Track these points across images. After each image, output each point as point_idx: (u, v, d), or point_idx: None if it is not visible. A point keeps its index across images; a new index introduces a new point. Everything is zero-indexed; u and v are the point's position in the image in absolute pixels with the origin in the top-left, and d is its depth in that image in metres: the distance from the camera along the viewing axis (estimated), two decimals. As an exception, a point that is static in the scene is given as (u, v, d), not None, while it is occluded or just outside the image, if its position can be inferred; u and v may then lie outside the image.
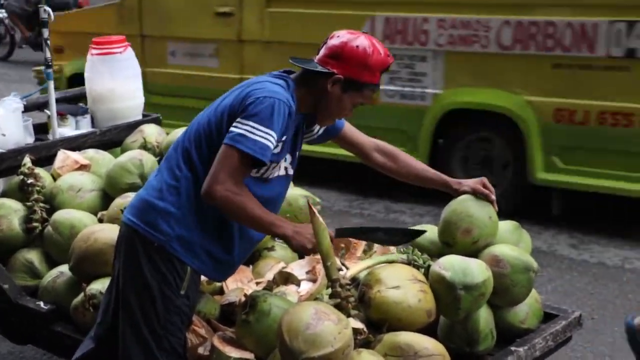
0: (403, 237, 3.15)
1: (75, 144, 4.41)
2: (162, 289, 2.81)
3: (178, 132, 4.15)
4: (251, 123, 2.68)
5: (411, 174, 3.24)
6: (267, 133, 2.68)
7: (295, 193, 3.62)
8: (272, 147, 2.70)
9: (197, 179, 2.80)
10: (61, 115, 4.72)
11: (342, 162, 6.70)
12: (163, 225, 2.80)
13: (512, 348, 2.93)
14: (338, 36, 2.86)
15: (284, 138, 2.78)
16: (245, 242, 2.96)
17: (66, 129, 4.70)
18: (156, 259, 2.81)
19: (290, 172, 2.95)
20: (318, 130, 3.06)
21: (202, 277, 2.97)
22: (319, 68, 2.84)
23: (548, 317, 3.18)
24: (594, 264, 5.65)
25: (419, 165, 3.25)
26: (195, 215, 2.82)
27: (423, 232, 3.17)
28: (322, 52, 2.88)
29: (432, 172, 3.25)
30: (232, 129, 2.71)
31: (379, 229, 3.16)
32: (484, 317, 2.96)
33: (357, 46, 2.81)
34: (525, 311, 3.08)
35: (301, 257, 3.58)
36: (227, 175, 2.67)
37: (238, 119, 2.71)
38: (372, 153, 3.23)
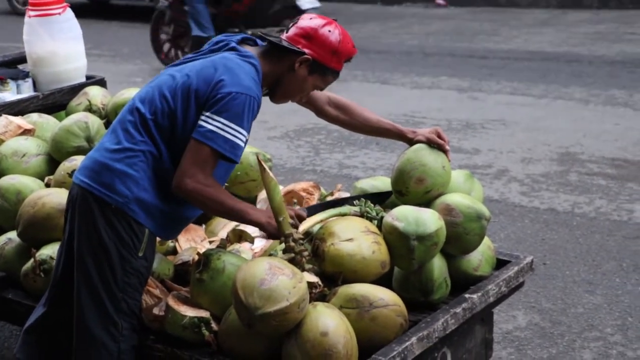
0: (372, 201, 3.14)
1: (18, 108, 4.30)
2: (119, 251, 2.78)
3: (124, 94, 4.07)
4: (222, 120, 2.69)
5: (365, 126, 3.24)
6: (238, 132, 2.70)
7: (246, 150, 3.56)
8: (243, 146, 2.73)
9: (156, 147, 2.79)
10: (1, 80, 4.59)
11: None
12: (120, 187, 2.77)
13: (467, 295, 2.96)
14: (310, 18, 2.88)
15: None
16: None
17: (7, 94, 4.57)
18: (113, 221, 2.78)
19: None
20: None
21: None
22: (288, 45, 2.81)
23: (501, 264, 3.21)
24: (545, 210, 5.72)
25: (373, 116, 3.24)
26: (153, 178, 2.80)
27: (389, 193, 3.17)
28: (292, 30, 2.87)
29: (386, 122, 3.24)
30: (202, 123, 2.70)
31: (347, 199, 3.16)
32: (438, 266, 2.98)
33: (330, 31, 2.85)
34: (479, 259, 3.10)
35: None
36: (197, 169, 2.70)
37: (208, 113, 2.70)
38: (325, 107, 3.22)
